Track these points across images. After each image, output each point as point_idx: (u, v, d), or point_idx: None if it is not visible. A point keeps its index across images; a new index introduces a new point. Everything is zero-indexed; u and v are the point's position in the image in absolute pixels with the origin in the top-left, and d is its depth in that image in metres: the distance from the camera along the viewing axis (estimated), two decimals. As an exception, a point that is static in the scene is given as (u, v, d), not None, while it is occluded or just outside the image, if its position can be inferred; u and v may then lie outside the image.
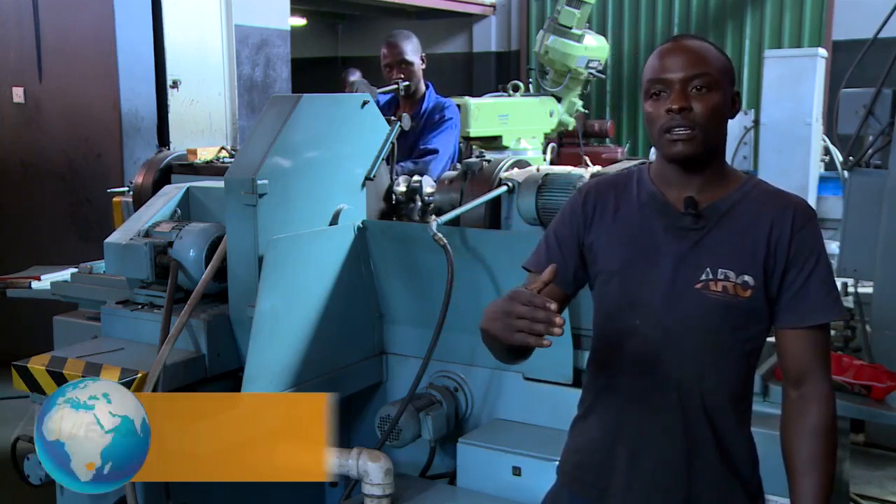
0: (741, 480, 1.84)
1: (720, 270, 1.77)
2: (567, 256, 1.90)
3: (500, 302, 1.62)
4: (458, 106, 4.50)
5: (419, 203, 3.30)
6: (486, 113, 5.33)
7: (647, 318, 1.80)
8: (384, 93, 4.00)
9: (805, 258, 1.77)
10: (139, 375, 2.58)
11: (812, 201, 5.37)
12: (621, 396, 1.85)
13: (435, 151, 3.92)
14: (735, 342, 1.80)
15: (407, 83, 4.06)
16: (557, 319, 1.55)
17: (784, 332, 1.82)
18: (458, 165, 3.51)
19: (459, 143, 4.31)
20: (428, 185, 3.31)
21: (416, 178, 3.34)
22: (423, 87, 4.17)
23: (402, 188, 3.31)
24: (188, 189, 3.21)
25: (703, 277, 1.77)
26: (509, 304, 1.59)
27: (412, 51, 4.10)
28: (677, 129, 1.74)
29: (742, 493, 1.85)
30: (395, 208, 3.33)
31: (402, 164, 3.75)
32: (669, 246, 1.80)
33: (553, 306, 1.56)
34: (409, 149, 3.98)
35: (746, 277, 1.76)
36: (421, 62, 4.14)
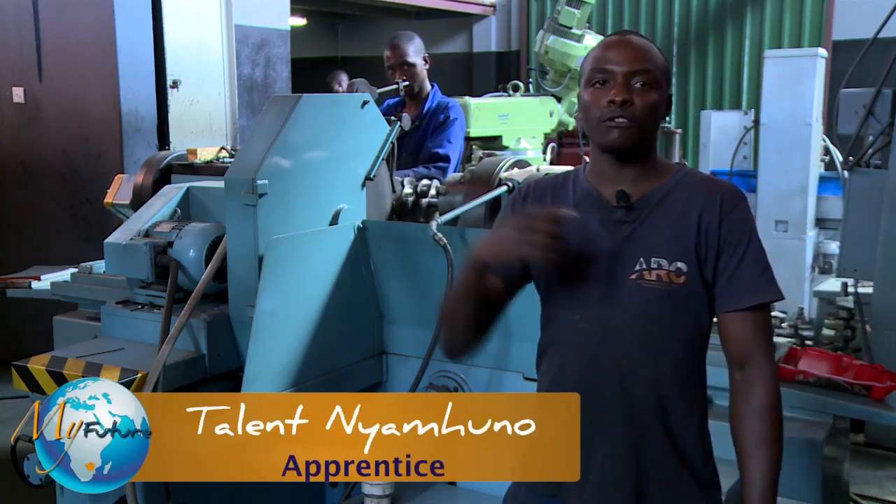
0: (691, 470, 1.85)
1: (653, 259, 1.80)
2: None
3: (514, 222, 1.74)
4: (459, 105, 4.50)
5: (425, 205, 3.31)
6: (486, 113, 5.32)
7: (587, 313, 1.83)
8: (384, 93, 4.00)
9: (736, 241, 1.80)
10: (139, 375, 2.58)
11: (812, 201, 5.37)
12: (570, 391, 1.85)
13: (446, 159, 3.92)
14: (675, 330, 1.81)
15: (406, 84, 4.06)
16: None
17: (723, 316, 1.84)
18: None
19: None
20: (434, 188, 3.31)
21: (424, 181, 3.35)
22: (427, 88, 4.16)
23: (408, 189, 3.31)
24: (188, 189, 3.21)
25: (637, 268, 1.80)
26: (528, 220, 1.70)
27: (414, 52, 4.10)
28: (617, 119, 1.78)
29: (692, 482, 1.85)
30: (400, 209, 3.33)
31: (414, 169, 3.75)
32: (604, 240, 1.83)
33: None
34: (414, 149, 3.97)
35: (679, 264, 1.79)
36: (424, 63, 4.14)
